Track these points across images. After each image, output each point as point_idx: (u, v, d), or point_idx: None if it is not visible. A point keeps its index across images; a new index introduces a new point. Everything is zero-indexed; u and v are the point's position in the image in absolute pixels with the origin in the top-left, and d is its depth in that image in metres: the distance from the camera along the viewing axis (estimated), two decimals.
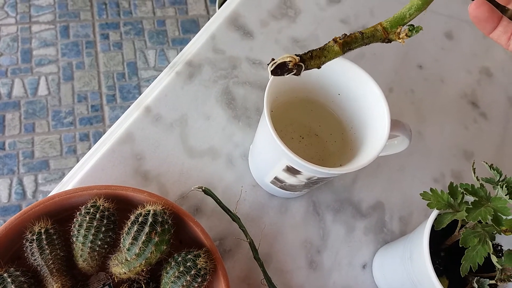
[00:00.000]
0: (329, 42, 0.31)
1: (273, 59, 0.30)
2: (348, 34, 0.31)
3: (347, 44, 0.30)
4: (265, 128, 0.37)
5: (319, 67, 0.31)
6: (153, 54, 1.58)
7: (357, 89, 0.41)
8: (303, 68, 0.31)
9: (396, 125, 0.39)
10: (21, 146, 1.37)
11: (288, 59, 0.30)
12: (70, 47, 1.54)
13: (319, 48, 0.31)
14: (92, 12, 1.62)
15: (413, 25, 0.29)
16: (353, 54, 0.59)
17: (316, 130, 0.48)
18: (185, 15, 1.66)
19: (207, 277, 0.38)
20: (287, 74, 0.31)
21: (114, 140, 0.47)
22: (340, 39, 0.30)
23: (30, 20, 1.56)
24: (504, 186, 0.34)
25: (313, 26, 0.60)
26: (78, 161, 1.38)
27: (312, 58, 0.31)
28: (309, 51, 0.31)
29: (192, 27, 1.64)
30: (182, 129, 0.50)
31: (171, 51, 1.59)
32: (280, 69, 0.31)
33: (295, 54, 0.30)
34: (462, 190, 0.37)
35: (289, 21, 0.59)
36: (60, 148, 1.39)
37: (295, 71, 0.31)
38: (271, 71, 0.30)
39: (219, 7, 1.35)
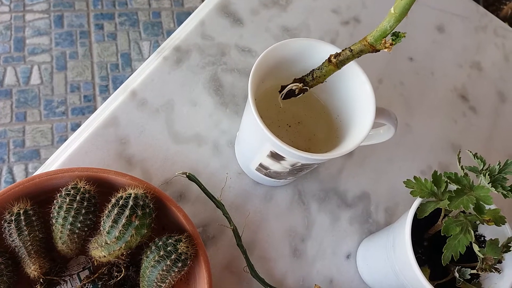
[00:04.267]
0: (324, 62, 0.36)
1: (283, 87, 0.39)
2: (339, 53, 0.35)
3: (341, 62, 0.35)
4: (250, 113, 0.37)
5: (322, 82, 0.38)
6: (148, 45, 1.57)
7: (344, 76, 0.41)
8: (308, 89, 0.39)
9: (381, 113, 0.39)
10: (12, 134, 1.36)
11: (294, 87, 0.38)
12: (64, 37, 1.53)
13: (318, 68, 0.37)
14: (87, 2, 1.60)
15: (396, 34, 0.31)
16: (344, 44, 0.59)
17: (302, 118, 0.47)
18: (180, 7, 1.65)
19: (188, 262, 0.38)
20: (298, 96, 0.39)
21: (98, 123, 0.46)
22: (334, 58, 0.35)
23: (24, 8, 1.55)
24: (487, 174, 0.34)
25: (304, 15, 0.59)
26: None
27: (314, 79, 0.38)
28: (311, 72, 0.37)
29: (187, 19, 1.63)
30: (168, 115, 0.49)
31: None
32: (289, 95, 0.39)
33: (299, 79, 0.38)
34: (445, 179, 0.36)
35: (280, 9, 0.58)
36: (51, 138, 1.38)
37: (302, 93, 0.39)
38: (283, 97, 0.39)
39: None
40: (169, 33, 1.59)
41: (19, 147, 1.35)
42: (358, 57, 0.34)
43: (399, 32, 0.31)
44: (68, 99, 1.44)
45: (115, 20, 1.59)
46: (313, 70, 0.38)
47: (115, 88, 1.47)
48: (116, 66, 1.51)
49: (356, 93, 0.41)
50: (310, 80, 0.38)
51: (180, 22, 1.61)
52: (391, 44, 0.31)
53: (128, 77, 1.55)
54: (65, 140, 1.36)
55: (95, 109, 1.44)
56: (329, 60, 0.36)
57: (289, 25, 0.58)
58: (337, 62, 0.35)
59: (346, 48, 0.34)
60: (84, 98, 1.45)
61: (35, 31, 1.52)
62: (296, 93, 0.39)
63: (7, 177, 1.30)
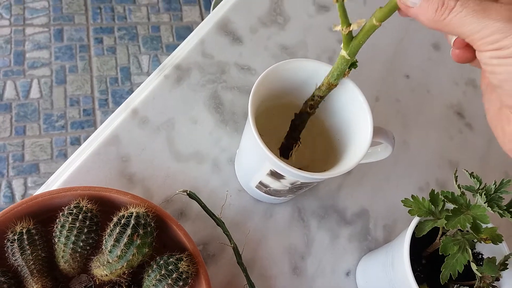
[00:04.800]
0: (302, 108, 0.41)
1: (282, 146, 0.45)
2: (313, 100, 0.40)
3: (313, 107, 0.40)
4: (250, 132, 0.38)
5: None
6: (147, 59, 1.58)
7: (342, 96, 0.42)
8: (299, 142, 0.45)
9: (378, 132, 0.40)
10: (11, 148, 1.36)
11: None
12: (64, 51, 1.54)
13: (297, 117, 0.42)
14: (87, 16, 1.62)
15: (352, 64, 0.36)
16: None
17: (302, 136, 0.48)
18: (179, 22, 1.67)
19: (189, 281, 0.38)
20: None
21: (100, 141, 0.47)
22: (310, 109, 0.41)
23: (24, 22, 1.56)
24: (483, 194, 0.35)
25: (301, 33, 0.60)
26: None
27: (298, 129, 0.43)
28: (293, 126, 0.43)
29: (186, 33, 1.65)
30: (169, 133, 0.50)
31: (164, 57, 1.59)
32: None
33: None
34: (443, 198, 0.37)
35: (278, 28, 0.59)
36: (50, 152, 1.38)
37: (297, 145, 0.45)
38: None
39: None
40: (168, 47, 1.61)
41: (19, 161, 1.35)
42: (327, 94, 0.39)
43: (355, 61, 0.36)
44: (68, 113, 1.45)
45: (115, 34, 1.60)
46: (292, 120, 0.43)
47: (115, 102, 1.49)
48: (116, 80, 1.52)
49: (354, 113, 0.41)
50: (297, 137, 0.44)
51: (179, 36, 1.63)
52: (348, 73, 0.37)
53: (127, 91, 1.55)
54: (65, 154, 1.37)
55: (95, 123, 1.45)
56: (305, 104, 0.41)
57: (287, 43, 0.59)
58: (312, 112, 0.41)
59: (315, 95, 0.39)
60: (84, 112, 1.45)
61: (35, 45, 1.53)
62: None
63: (6, 191, 1.30)
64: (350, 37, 0.32)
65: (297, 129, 0.43)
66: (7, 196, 1.30)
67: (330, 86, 0.38)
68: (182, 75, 0.53)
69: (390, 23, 0.36)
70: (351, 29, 0.31)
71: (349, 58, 0.33)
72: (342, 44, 0.33)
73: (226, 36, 0.57)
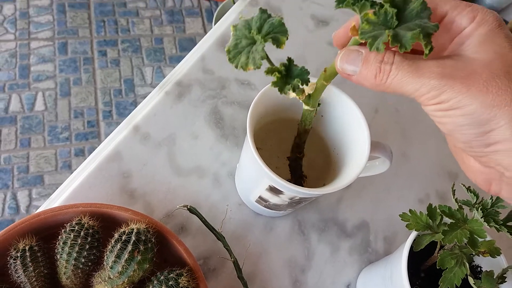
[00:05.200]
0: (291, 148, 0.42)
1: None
2: (295, 147, 0.41)
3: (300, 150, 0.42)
4: (249, 148, 0.38)
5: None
6: (150, 71, 1.59)
7: (340, 111, 0.42)
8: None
9: (376, 146, 0.40)
10: (16, 160, 1.38)
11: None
12: (68, 63, 1.56)
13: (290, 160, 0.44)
14: (91, 29, 1.64)
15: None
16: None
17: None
18: (182, 34, 1.68)
19: None
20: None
21: (102, 158, 0.48)
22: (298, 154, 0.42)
23: (29, 36, 1.58)
24: (479, 208, 0.35)
25: (300, 48, 0.61)
26: None
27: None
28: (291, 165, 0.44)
29: (189, 45, 1.66)
30: (170, 148, 0.51)
31: (168, 69, 1.61)
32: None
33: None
34: (440, 212, 0.37)
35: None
36: (55, 163, 1.39)
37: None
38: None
39: None
40: (172, 59, 1.62)
41: (23, 173, 1.36)
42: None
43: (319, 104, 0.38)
44: (72, 125, 1.46)
45: (118, 46, 1.62)
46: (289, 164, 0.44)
47: (118, 114, 1.50)
48: (119, 92, 1.54)
49: (351, 127, 0.42)
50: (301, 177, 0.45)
51: (182, 48, 1.65)
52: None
53: (131, 102, 1.56)
54: (69, 166, 1.38)
55: (99, 134, 1.46)
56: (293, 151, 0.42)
57: (286, 58, 0.59)
58: (302, 154, 0.42)
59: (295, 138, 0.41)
60: (88, 124, 1.47)
61: (40, 58, 1.55)
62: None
63: (11, 202, 1.31)
64: (308, 97, 0.34)
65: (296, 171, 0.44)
66: (12, 208, 1.31)
67: (306, 130, 0.39)
68: (183, 91, 0.54)
69: None
70: (306, 94, 0.34)
71: (312, 109, 0.36)
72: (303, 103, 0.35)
73: None
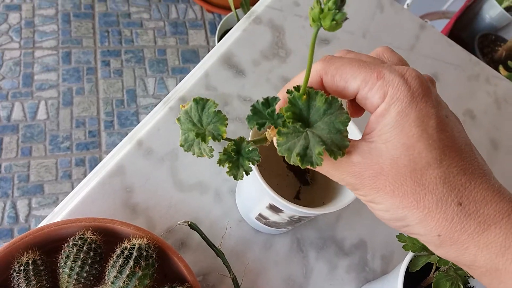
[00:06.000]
0: None
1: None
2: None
3: None
4: None
5: None
6: (153, 82, 1.61)
7: None
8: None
9: None
10: (17, 169, 1.38)
11: None
12: (71, 73, 1.57)
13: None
14: (95, 39, 1.66)
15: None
16: None
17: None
18: (185, 45, 1.70)
19: None
20: None
21: (105, 172, 0.48)
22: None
23: (34, 45, 1.60)
24: None
25: (303, 66, 0.62)
26: (72, 186, 1.39)
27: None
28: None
29: (192, 57, 1.68)
30: (172, 163, 0.51)
31: (170, 80, 1.62)
32: None
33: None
34: None
35: (280, 61, 0.61)
36: (55, 173, 1.40)
37: None
38: None
39: (219, 39, 1.39)
40: (174, 70, 1.64)
41: (24, 182, 1.37)
42: None
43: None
44: (73, 134, 1.47)
45: (122, 57, 1.64)
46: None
47: (120, 124, 1.51)
48: (122, 102, 1.55)
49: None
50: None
51: (184, 60, 1.66)
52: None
53: (132, 113, 1.57)
54: (69, 175, 1.39)
55: (100, 144, 1.47)
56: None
57: (288, 76, 0.61)
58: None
59: None
60: (89, 134, 1.48)
61: (44, 67, 1.56)
62: None
63: (11, 211, 1.32)
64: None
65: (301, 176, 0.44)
66: (11, 217, 1.31)
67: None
68: None
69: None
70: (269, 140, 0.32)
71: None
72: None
73: (230, 69, 0.59)
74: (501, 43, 1.34)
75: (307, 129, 0.25)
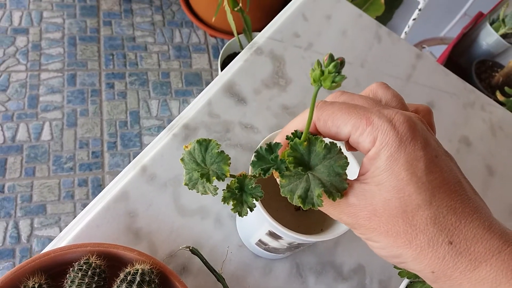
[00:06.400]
0: None
1: None
2: None
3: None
4: None
5: None
6: (156, 104, 1.63)
7: None
8: None
9: None
10: (20, 189, 1.40)
11: None
12: (76, 95, 1.60)
13: None
14: (100, 62, 1.69)
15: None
16: None
17: None
18: (189, 68, 1.73)
19: None
20: None
21: (110, 197, 0.50)
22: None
23: (40, 67, 1.63)
24: None
25: (302, 94, 0.64)
26: (75, 206, 1.40)
27: None
28: None
29: (195, 80, 1.71)
30: (175, 188, 0.53)
31: (173, 102, 1.65)
32: None
33: None
34: None
35: (280, 89, 0.63)
36: (58, 193, 1.41)
37: None
38: None
39: (221, 63, 1.42)
40: (177, 92, 1.67)
41: (26, 202, 1.38)
42: None
43: None
44: (77, 155, 1.49)
45: (126, 79, 1.67)
46: None
47: (123, 145, 1.53)
48: (125, 124, 1.57)
49: (351, 174, 0.44)
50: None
51: (188, 83, 1.69)
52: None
53: (136, 134, 1.59)
54: (72, 195, 1.40)
55: (103, 165, 1.48)
56: None
57: (288, 104, 0.63)
58: None
59: None
60: (92, 154, 1.50)
61: (49, 89, 1.59)
62: None
63: (13, 231, 1.33)
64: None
65: None
66: (13, 237, 1.32)
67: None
68: (189, 133, 0.57)
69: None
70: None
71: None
72: None
73: (232, 97, 0.61)
74: (498, 69, 1.36)
75: (308, 172, 0.27)
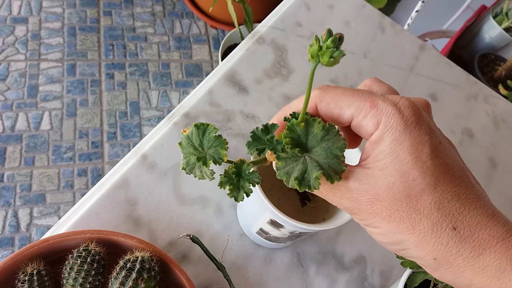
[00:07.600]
0: None
1: None
2: None
3: None
4: None
5: None
6: (156, 95, 1.63)
7: None
8: None
9: None
10: (19, 178, 1.39)
11: None
12: (76, 85, 1.59)
13: None
14: (100, 52, 1.68)
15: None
16: None
17: None
18: (189, 59, 1.72)
19: None
20: None
21: (109, 185, 0.50)
22: None
23: (39, 57, 1.62)
24: None
25: (304, 84, 0.64)
26: (74, 196, 1.40)
27: None
28: None
29: (195, 71, 1.70)
30: (175, 177, 0.52)
31: (173, 93, 1.64)
32: None
33: None
34: None
35: (282, 79, 0.63)
36: (57, 183, 1.41)
37: None
38: None
39: (222, 54, 1.41)
40: (177, 83, 1.66)
41: (26, 191, 1.38)
42: None
43: None
44: (76, 145, 1.48)
45: (126, 70, 1.66)
46: None
47: (123, 135, 1.52)
48: (125, 114, 1.57)
49: (351, 162, 0.44)
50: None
51: (188, 74, 1.68)
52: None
53: (135, 125, 1.59)
54: (71, 185, 1.40)
55: (102, 155, 1.48)
56: None
57: (290, 93, 0.62)
58: None
59: None
60: (92, 144, 1.49)
61: (48, 78, 1.58)
62: None
63: (12, 220, 1.32)
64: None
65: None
66: (13, 226, 1.32)
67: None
68: (190, 122, 0.56)
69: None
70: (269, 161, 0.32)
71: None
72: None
73: (233, 87, 0.60)
74: (500, 63, 1.36)
75: (305, 154, 0.26)
